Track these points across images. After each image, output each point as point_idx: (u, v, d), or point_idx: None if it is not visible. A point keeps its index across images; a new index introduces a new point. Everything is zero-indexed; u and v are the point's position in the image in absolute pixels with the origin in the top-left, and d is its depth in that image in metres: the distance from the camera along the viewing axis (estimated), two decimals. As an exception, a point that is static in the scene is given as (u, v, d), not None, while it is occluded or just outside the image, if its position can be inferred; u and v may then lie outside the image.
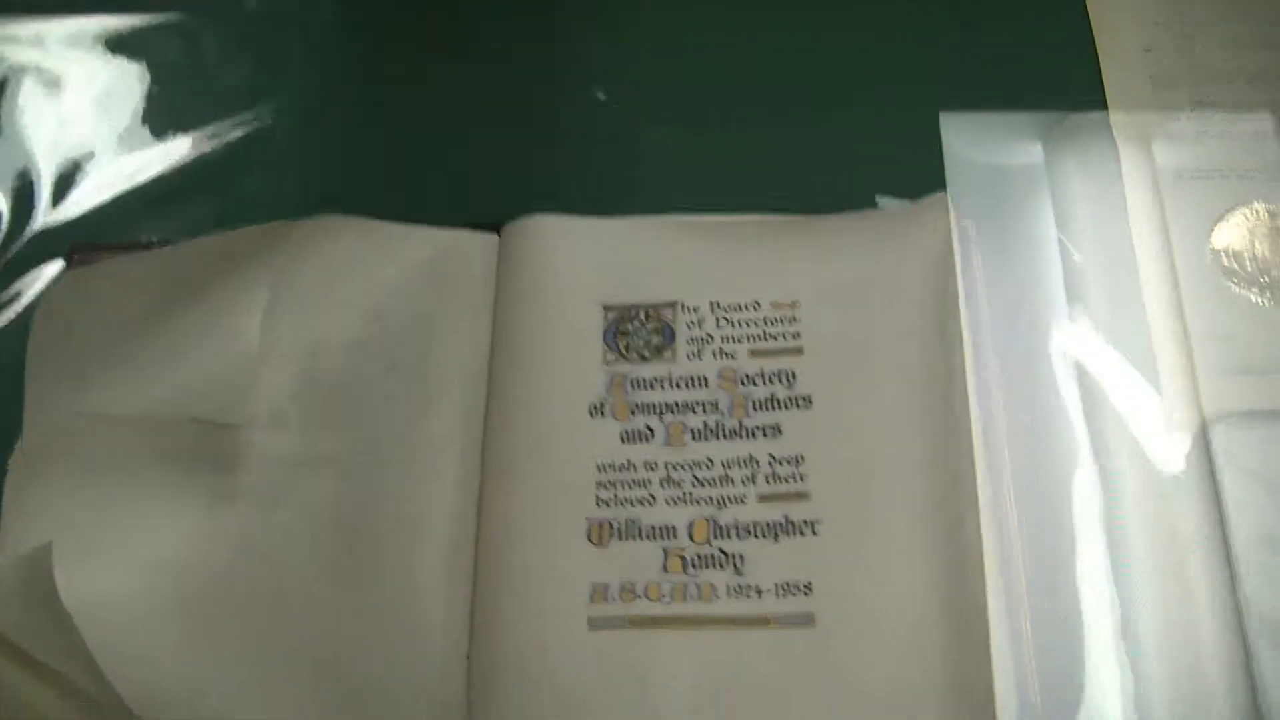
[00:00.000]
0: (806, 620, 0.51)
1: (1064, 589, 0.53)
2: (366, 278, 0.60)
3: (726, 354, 0.57)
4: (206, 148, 0.67)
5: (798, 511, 0.53)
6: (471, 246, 0.61)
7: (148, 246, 0.62)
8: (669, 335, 0.57)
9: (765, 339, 0.57)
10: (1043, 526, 0.54)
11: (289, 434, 0.56)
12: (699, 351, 0.57)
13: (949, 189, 0.60)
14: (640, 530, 0.53)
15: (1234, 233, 0.60)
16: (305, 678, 0.52)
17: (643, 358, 0.57)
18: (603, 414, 0.56)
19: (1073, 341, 0.58)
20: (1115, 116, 0.63)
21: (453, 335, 0.59)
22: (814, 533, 0.52)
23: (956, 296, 0.56)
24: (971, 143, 0.62)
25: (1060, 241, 0.60)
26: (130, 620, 0.52)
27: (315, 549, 0.54)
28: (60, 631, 0.48)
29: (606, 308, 0.58)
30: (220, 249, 0.60)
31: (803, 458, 0.54)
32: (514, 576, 0.53)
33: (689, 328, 0.57)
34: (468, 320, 0.59)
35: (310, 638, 0.53)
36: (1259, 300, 0.59)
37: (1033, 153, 0.62)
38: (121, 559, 0.54)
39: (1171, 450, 0.56)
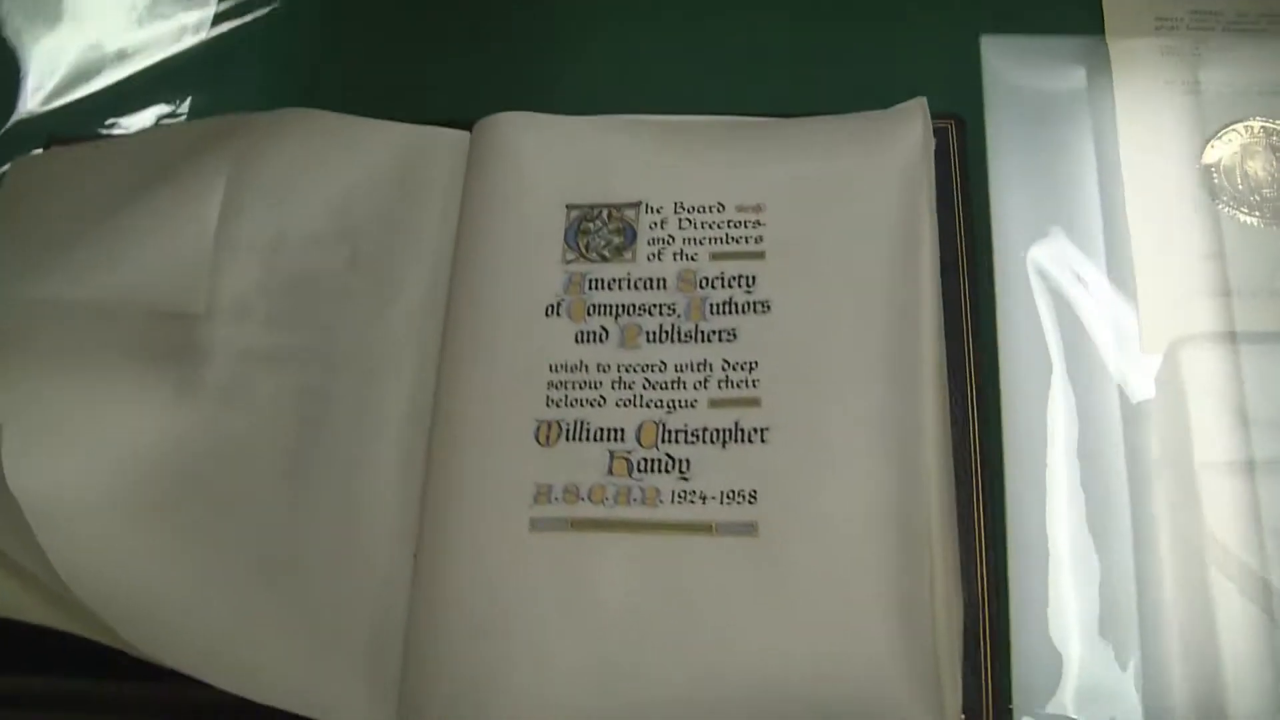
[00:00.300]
0: (749, 529, 0.50)
1: (1031, 511, 0.53)
2: (332, 172, 0.60)
3: (687, 256, 0.56)
4: (179, 45, 0.68)
5: (748, 418, 0.52)
6: (441, 144, 0.60)
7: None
8: (630, 236, 0.56)
9: (728, 242, 0.56)
10: (1011, 447, 0.54)
11: (253, 327, 0.57)
12: (659, 253, 0.56)
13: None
14: (588, 432, 0.53)
15: (1226, 149, 0.59)
16: (255, 573, 0.53)
17: (603, 258, 0.56)
18: (559, 314, 0.55)
19: (1057, 259, 0.57)
20: (1112, 30, 0.62)
21: (418, 233, 0.59)
22: (763, 440, 0.51)
23: (928, 206, 0.55)
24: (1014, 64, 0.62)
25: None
26: (85, 512, 0.53)
27: (273, 445, 0.55)
28: (7, 518, 0.48)
29: (570, 207, 0.57)
30: (179, 138, 0.60)
31: (757, 364, 0.53)
32: (460, 475, 0.52)
33: (651, 229, 0.56)
34: (434, 218, 0.59)
35: (262, 533, 0.53)
36: (1248, 219, 0.57)
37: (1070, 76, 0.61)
38: (81, 449, 0.55)
39: (1143, 371, 0.55)
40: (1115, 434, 0.54)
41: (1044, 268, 0.57)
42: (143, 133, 0.62)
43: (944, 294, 0.55)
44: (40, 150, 0.63)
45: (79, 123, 0.66)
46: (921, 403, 0.52)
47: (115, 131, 0.64)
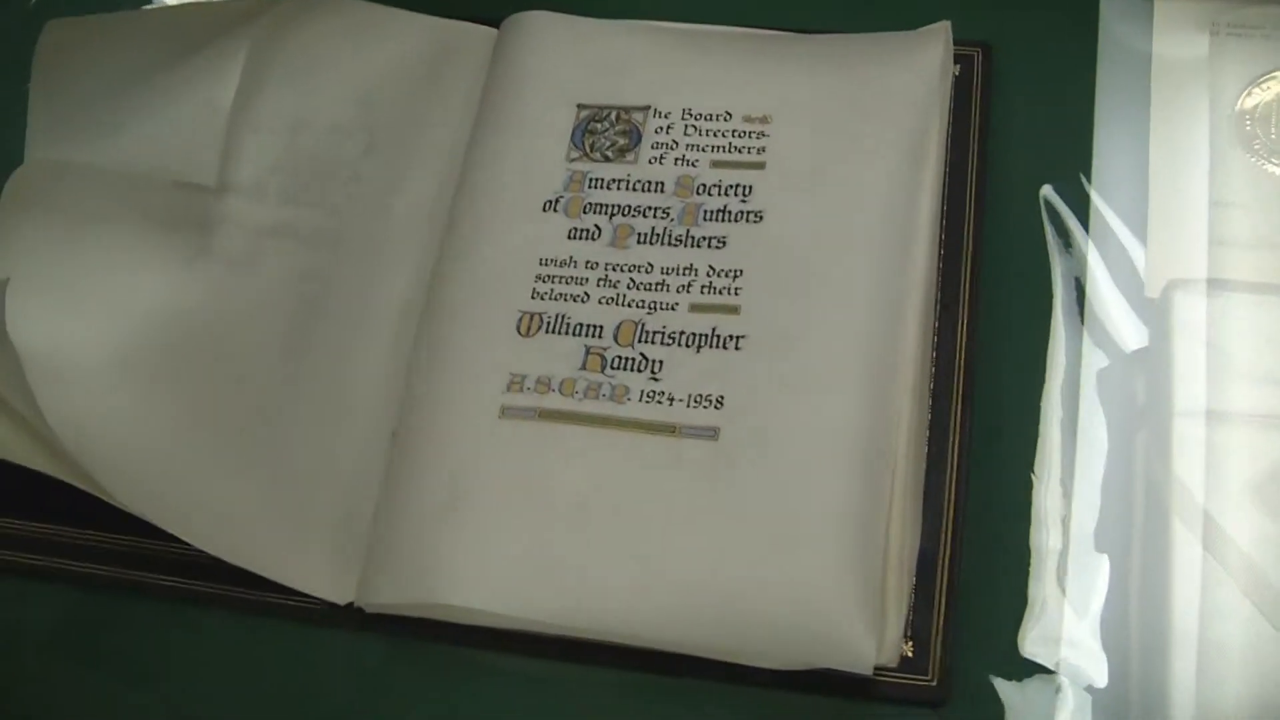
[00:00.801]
0: (711, 433, 0.50)
1: (1009, 450, 0.52)
2: (357, 61, 0.61)
3: (688, 162, 0.56)
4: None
5: (725, 325, 0.52)
6: (469, 39, 0.61)
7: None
8: (635, 138, 0.56)
9: (730, 150, 0.56)
10: (996, 383, 0.53)
11: (266, 204, 0.59)
12: (661, 157, 0.56)
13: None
14: (568, 326, 0.53)
15: (1264, 96, 0.56)
16: (242, 441, 0.54)
17: (605, 158, 0.56)
18: (555, 209, 0.55)
19: (1070, 198, 0.56)
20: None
21: (436, 127, 0.59)
22: (737, 348, 0.51)
23: (939, 133, 0.54)
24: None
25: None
26: (85, 368, 0.56)
27: (274, 321, 0.56)
28: (3, 363, 0.50)
29: (580, 106, 0.57)
30: (206, 15, 0.60)
31: (741, 272, 0.53)
32: (439, 358, 0.53)
33: (657, 133, 0.56)
34: (455, 114, 0.60)
35: (253, 405, 0.55)
36: (1277, 170, 0.55)
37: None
38: (90, 309, 0.58)
39: (1141, 317, 0.54)
40: (1104, 379, 0.53)
41: (1056, 206, 0.56)
42: (171, 8, 0.63)
43: (947, 225, 0.54)
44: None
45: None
46: (903, 328, 0.51)
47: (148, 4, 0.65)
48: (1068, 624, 0.49)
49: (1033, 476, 0.51)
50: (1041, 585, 0.50)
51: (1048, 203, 0.56)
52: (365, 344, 0.56)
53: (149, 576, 0.54)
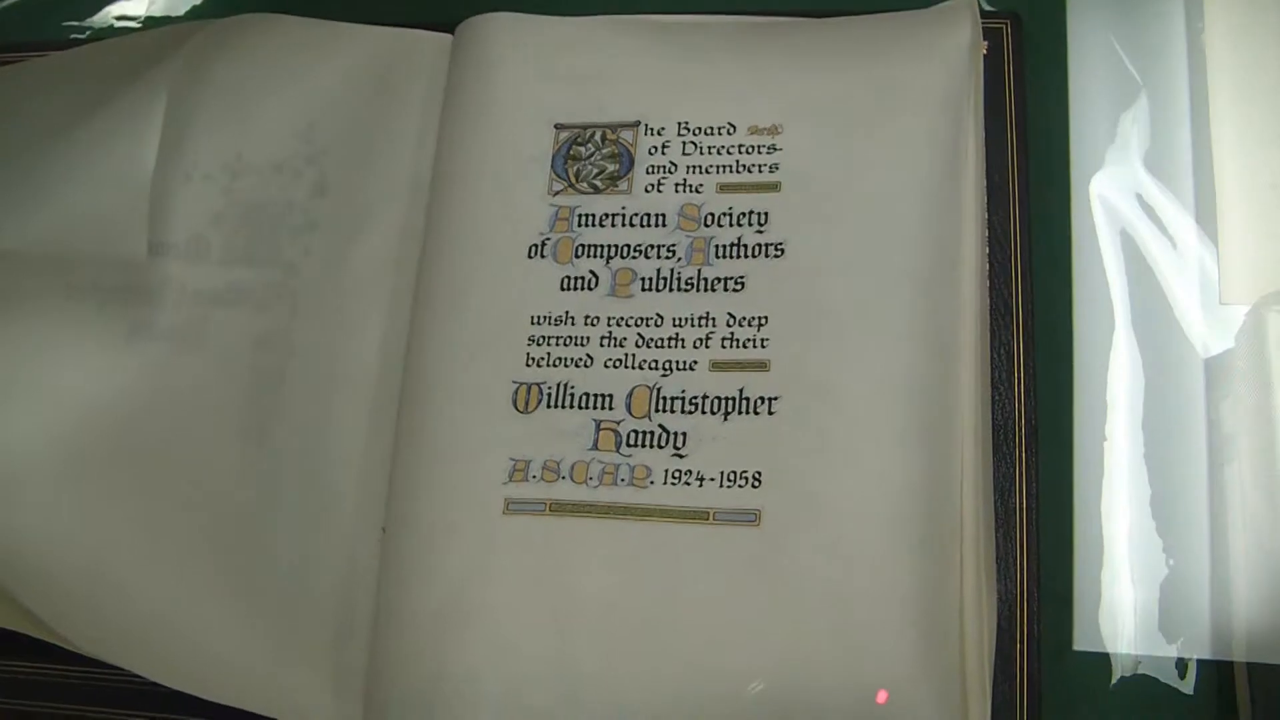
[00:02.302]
0: (751, 517, 0.46)
1: (1086, 493, 0.49)
2: (296, 86, 0.56)
3: (691, 187, 0.51)
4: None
5: (755, 385, 0.47)
6: (420, 49, 0.55)
7: (63, 46, 0.58)
8: (626, 162, 0.51)
9: (738, 170, 0.51)
10: (1063, 416, 0.49)
11: (208, 264, 0.54)
12: (659, 183, 0.51)
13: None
14: (572, 397, 0.49)
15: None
16: (207, 549, 0.51)
17: (594, 188, 0.51)
18: (543, 255, 0.50)
19: (1126, 190, 0.51)
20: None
21: (392, 155, 0.55)
22: (770, 412, 0.47)
23: (975, 129, 0.50)
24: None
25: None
26: (19, 477, 0.52)
27: (228, 399, 0.52)
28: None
29: (559, 127, 0.52)
30: (118, 55, 0.55)
31: (766, 319, 0.48)
32: (430, 445, 0.49)
33: (651, 154, 0.51)
34: (411, 137, 0.55)
35: (214, 503, 0.51)
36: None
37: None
38: (19, 402, 0.53)
39: (1223, 326, 0.49)
40: (1188, 401, 0.48)
41: (1111, 201, 0.51)
42: (78, 50, 0.57)
43: (992, 235, 0.50)
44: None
45: (28, 25, 0.62)
46: (959, 368, 0.47)
47: (68, 35, 0.61)
48: (1168, 693, 0.46)
49: (1113, 521, 0.48)
50: (1139, 648, 0.47)
51: (1102, 197, 0.51)
52: (338, 423, 0.51)
53: (111, 714, 0.50)
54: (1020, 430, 0.48)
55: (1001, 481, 0.47)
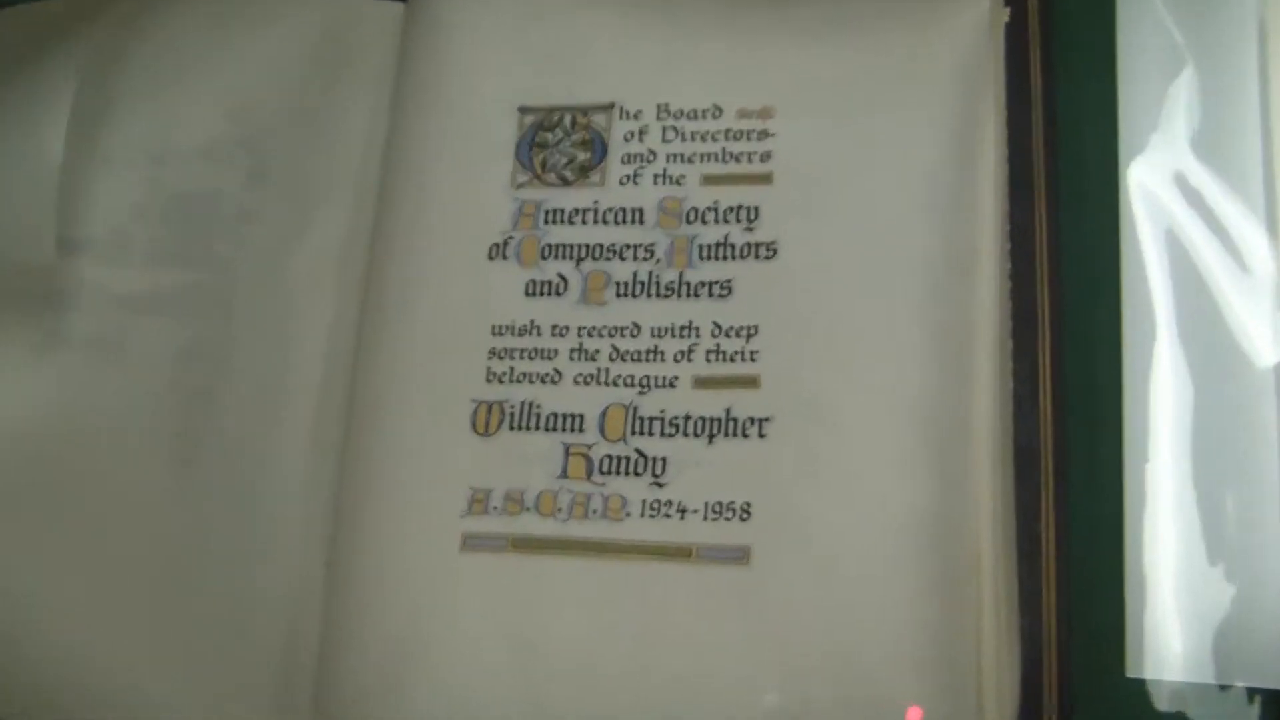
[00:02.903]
0: (739, 555, 0.44)
1: (1123, 523, 0.45)
2: (228, 60, 0.53)
3: (672, 179, 0.48)
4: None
5: (744, 404, 0.45)
6: (367, 20, 0.53)
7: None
8: (599, 150, 0.49)
9: (725, 159, 0.48)
10: (1096, 435, 0.46)
11: (130, 265, 0.51)
12: (636, 174, 0.49)
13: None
14: (539, 418, 0.46)
15: None
16: (131, 581, 0.48)
17: (563, 180, 0.49)
18: (505, 256, 0.48)
19: (1168, 177, 0.47)
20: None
21: (338, 138, 0.52)
22: (761, 435, 0.45)
23: (995, 112, 0.47)
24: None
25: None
26: None
27: (153, 416, 0.50)
28: None
29: (524, 110, 0.50)
30: (23, 23, 0.53)
31: (757, 329, 0.46)
32: (379, 472, 0.47)
33: (627, 140, 0.49)
34: (360, 118, 0.52)
35: (140, 530, 0.49)
36: None
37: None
38: None
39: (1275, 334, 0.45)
40: (1244, 416, 0.45)
41: (1152, 191, 0.47)
42: None
43: (1014, 230, 0.47)
44: None
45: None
46: (974, 384, 0.45)
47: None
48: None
49: (1158, 555, 0.44)
50: (1196, 704, 0.44)
51: (1141, 186, 0.47)
52: (277, 446, 0.49)
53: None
54: (1046, 452, 0.45)
55: (1025, 510, 0.45)
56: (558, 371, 0.46)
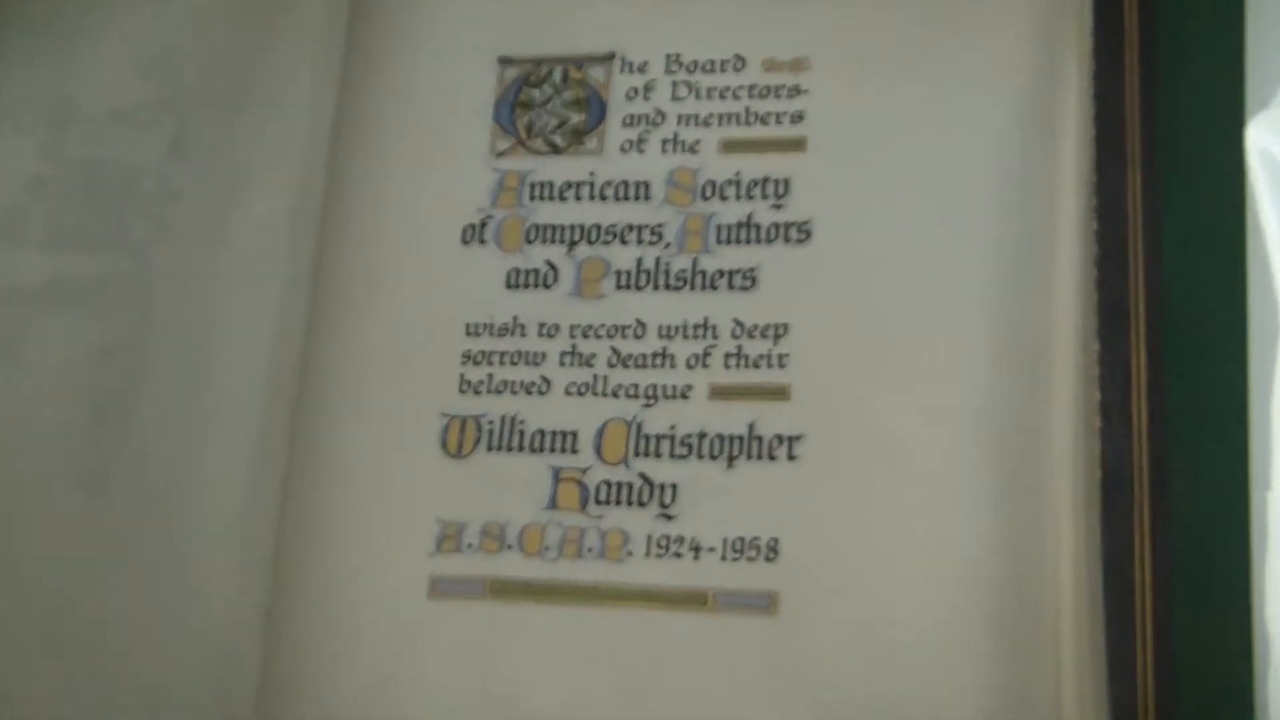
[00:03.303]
0: (764, 602, 0.41)
1: (1230, 561, 0.41)
2: (146, 9, 0.51)
3: (685, 145, 0.45)
4: None
5: (771, 419, 0.42)
6: None
7: None
8: (597, 110, 0.45)
9: (748, 121, 0.45)
10: (1200, 458, 0.42)
11: (28, 249, 0.49)
12: (641, 140, 0.45)
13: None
14: (523, 436, 0.43)
15: None
16: (36, 624, 0.46)
17: (553, 147, 0.45)
18: (482, 240, 0.45)
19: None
20: None
21: (281, 100, 0.49)
22: (791, 456, 0.41)
23: (1077, 63, 0.44)
24: None
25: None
26: None
27: (58, 432, 0.47)
28: None
29: (505, 61, 0.46)
30: None
31: (785, 328, 0.43)
32: (331, 501, 0.44)
33: (629, 99, 0.45)
34: (304, 78, 0.49)
35: (44, 566, 0.46)
36: None
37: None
38: None
39: None
40: None
41: (1275, 155, 0.43)
42: None
43: (1101, 213, 0.43)
44: None
45: None
46: (1051, 395, 0.41)
47: None
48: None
49: (1270, 599, 0.40)
50: None
51: (1263, 151, 0.43)
52: (207, 469, 0.46)
53: None
54: (1141, 477, 0.41)
55: (1115, 550, 0.41)
56: (546, 379, 0.43)
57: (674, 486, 0.42)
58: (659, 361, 0.43)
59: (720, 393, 0.43)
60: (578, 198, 0.45)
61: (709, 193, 0.44)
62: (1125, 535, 0.41)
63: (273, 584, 0.45)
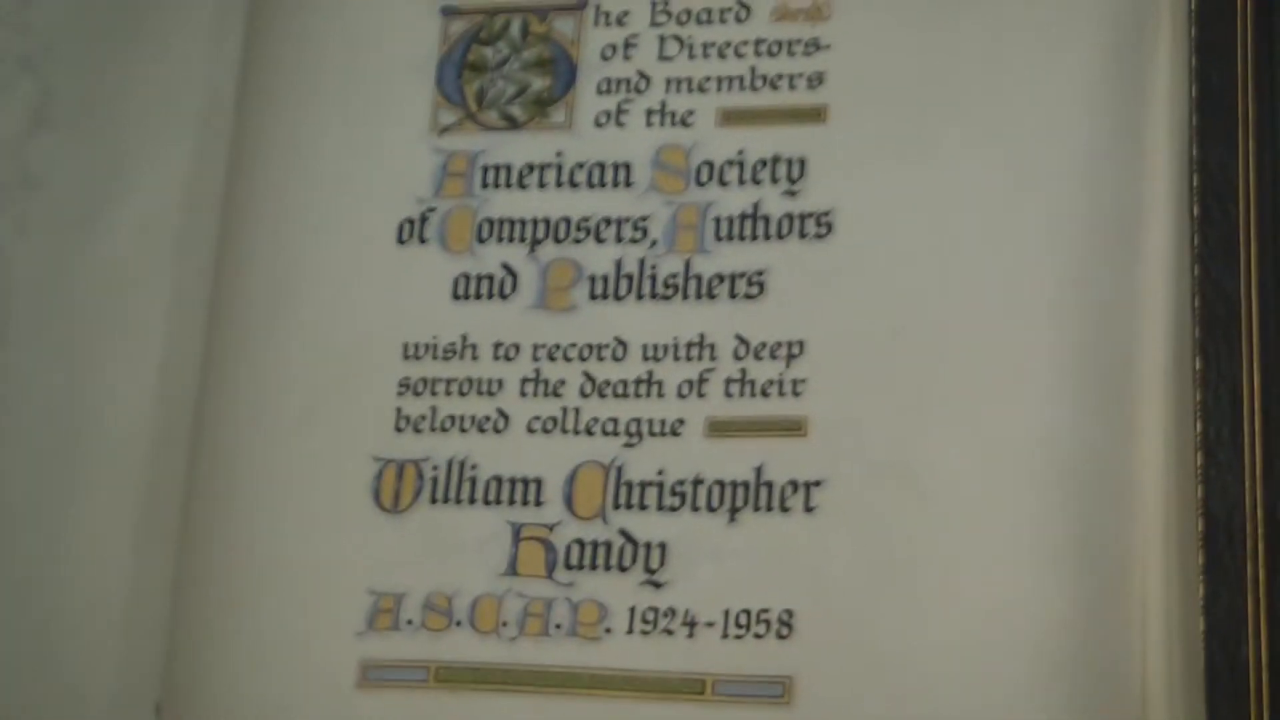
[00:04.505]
0: (777, 691, 0.37)
1: None
2: None
3: (674, 117, 0.41)
4: None
5: (783, 460, 0.38)
6: None
7: None
8: (565, 73, 0.41)
9: (755, 86, 0.41)
10: None
11: None
12: (620, 110, 0.41)
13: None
14: (474, 485, 0.39)
15: None
16: None
17: (510, 121, 0.41)
18: (422, 238, 0.41)
19: None
20: None
21: (172, 61, 0.46)
22: (808, 507, 0.37)
23: (1170, 16, 0.40)
24: None
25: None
26: None
27: None
28: None
29: (448, 11, 0.43)
30: None
31: (803, 347, 0.38)
32: (235, 571, 0.41)
33: (605, 58, 0.41)
34: (203, 31, 0.46)
35: None
36: None
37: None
38: None
39: None
40: None
41: None
42: None
43: (1200, 190, 0.39)
44: None
45: None
46: (1136, 428, 0.38)
47: None
48: None
49: None
50: None
51: None
52: (78, 523, 0.42)
53: None
54: (1254, 528, 0.37)
55: (1222, 616, 0.37)
56: (503, 413, 0.39)
57: (663, 546, 0.38)
58: (643, 390, 0.39)
59: (720, 428, 0.39)
60: (541, 184, 0.41)
61: (705, 177, 0.41)
62: (1235, 601, 0.37)
63: (165, 674, 0.41)
